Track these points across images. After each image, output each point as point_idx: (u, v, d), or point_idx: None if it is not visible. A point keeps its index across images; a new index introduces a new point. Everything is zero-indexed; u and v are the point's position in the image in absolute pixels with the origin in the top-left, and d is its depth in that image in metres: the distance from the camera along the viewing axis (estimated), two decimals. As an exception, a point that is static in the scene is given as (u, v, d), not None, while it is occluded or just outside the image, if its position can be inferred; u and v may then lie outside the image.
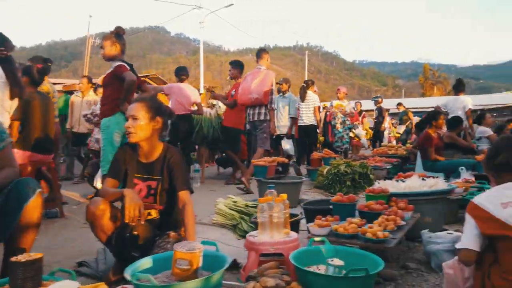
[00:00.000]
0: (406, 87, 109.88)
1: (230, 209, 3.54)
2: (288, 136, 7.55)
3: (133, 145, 2.27)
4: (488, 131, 7.40)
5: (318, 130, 7.94)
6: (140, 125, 2.19)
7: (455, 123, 6.31)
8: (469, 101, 7.09)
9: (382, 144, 9.34)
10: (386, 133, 12.47)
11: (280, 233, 2.23)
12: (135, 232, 2.12)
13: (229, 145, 6.17)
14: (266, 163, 4.62)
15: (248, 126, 6.45)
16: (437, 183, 3.24)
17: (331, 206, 2.89)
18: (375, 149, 8.76)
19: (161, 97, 3.70)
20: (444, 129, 6.57)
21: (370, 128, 11.23)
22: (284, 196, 2.35)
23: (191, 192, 2.25)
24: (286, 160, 5.05)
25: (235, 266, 2.50)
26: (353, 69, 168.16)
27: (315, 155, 6.69)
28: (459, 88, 7.13)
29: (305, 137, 7.79)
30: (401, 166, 7.11)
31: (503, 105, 25.77)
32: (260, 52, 5.96)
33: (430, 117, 5.89)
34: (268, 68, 6.01)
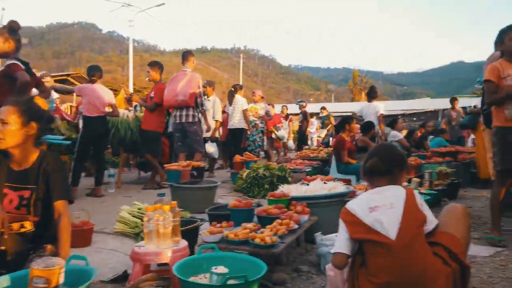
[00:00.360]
0: (338, 92, 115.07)
1: (134, 216, 3.40)
2: (213, 139, 7.51)
3: (4, 151, 2.08)
4: (399, 135, 7.93)
5: (249, 133, 8.07)
6: (10, 130, 2.01)
7: (367, 127, 6.66)
8: (381, 107, 7.52)
9: (305, 147, 9.62)
10: (315, 136, 12.91)
11: (167, 242, 2.17)
12: (2, 247, 1.93)
13: (147, 149, 5.99)
14: (180, 168, 4.52)
15: (171, 128, 6.35)
16: (336, 186, 3.37)
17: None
18: (298, 152, 9.01)
19: (39, 101, 3.45)
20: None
21: (297, 131, 11.54)
22: (174, 203, 2.29)
23: (70, 202, 2.11)
24: (202, 164, 4.98)
25: (125, 277, 2.39)
26: (288, 73, 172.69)
27: (238, 158, 6.70)
28: (371, 95, 7.55)
29: (233, 140, 7.88)
30: (322, 169, 7.38)
31: (421, 110, 27.96)
32: (186, 55, 5.95)
33: (344, 121, 6.17)
34: (194, 70, 6.00)
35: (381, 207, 1.88)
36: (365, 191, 3.90)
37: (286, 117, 10.66)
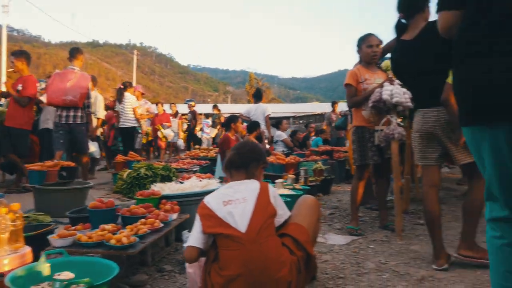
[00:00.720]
0: (236, 93, 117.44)
1: (-20, 223, 2.96)
2: (93, 138, 7.01)
3: None
4: (284, 135, 8.33)
5: (140, 131, 7.79)
6: None
7: (253, 127, 6.83)
8: (268, 108, 7.80)
9: (196, 146, 9.56)
10: (208, 136, 12.88)
11: (4, 250, 1.91)
12: None
13: (11, 148, 5.34)
14: (44, 168, 4.10)
15: (50, 126, 5.89)
16: (209, 183, 3.37)
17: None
18: (188, 152, 8.92)
19: None
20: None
21: (185, 130, 11.38)
22: (15, 205, 2.03)
23: None
24: (73, 164, 4.59)
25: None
26: (187, 73, 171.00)
27: (119, 158, 6.35)
28: (259, 97, 7.79)
29: (124, 139, 7.62)
30: (211, 168, 7.39)
31: (310, 113, 30.00)
32: (75, 52, 5.67)
33: (230, 120, 6.24)
34: (84, 65, 5.65)
35: (235, 201, 1.91)
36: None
37: (175, 115, 10.46)
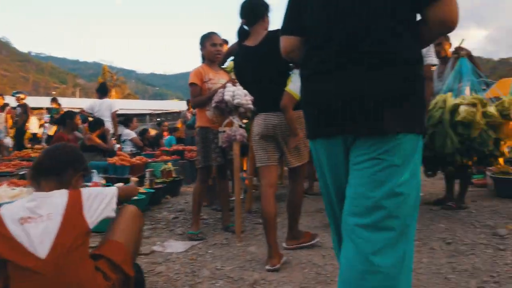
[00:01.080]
0: (87, 87, 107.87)
1: None
2: None
3: None
4: (132, 134, 7.83)
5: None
6: None
7: (95, 125, 6.21)
8: (114, 104, 7.21)
9: (27, 145, 8.30)
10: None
11: None
12: None
13: None
14: None
15: None
16: (23, 192, 2.83)
17: None
18: (17, 151, 7.68)
19: None
20: None
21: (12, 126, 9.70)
22: None
23: None
24: None
25: None
26: (28, 61, 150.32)
27: None
28: (104, 92, 7.14)
29: None
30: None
31: (168, 111, 29.46)
32: None
33: (65, 116, 5.55)
34: None
35: (36, 218, 1.55)
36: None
37: (3, 108, 8.86)
